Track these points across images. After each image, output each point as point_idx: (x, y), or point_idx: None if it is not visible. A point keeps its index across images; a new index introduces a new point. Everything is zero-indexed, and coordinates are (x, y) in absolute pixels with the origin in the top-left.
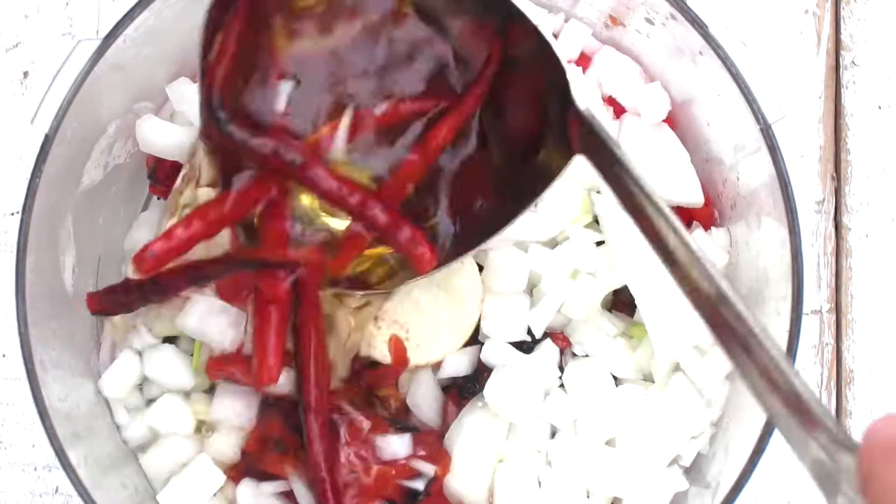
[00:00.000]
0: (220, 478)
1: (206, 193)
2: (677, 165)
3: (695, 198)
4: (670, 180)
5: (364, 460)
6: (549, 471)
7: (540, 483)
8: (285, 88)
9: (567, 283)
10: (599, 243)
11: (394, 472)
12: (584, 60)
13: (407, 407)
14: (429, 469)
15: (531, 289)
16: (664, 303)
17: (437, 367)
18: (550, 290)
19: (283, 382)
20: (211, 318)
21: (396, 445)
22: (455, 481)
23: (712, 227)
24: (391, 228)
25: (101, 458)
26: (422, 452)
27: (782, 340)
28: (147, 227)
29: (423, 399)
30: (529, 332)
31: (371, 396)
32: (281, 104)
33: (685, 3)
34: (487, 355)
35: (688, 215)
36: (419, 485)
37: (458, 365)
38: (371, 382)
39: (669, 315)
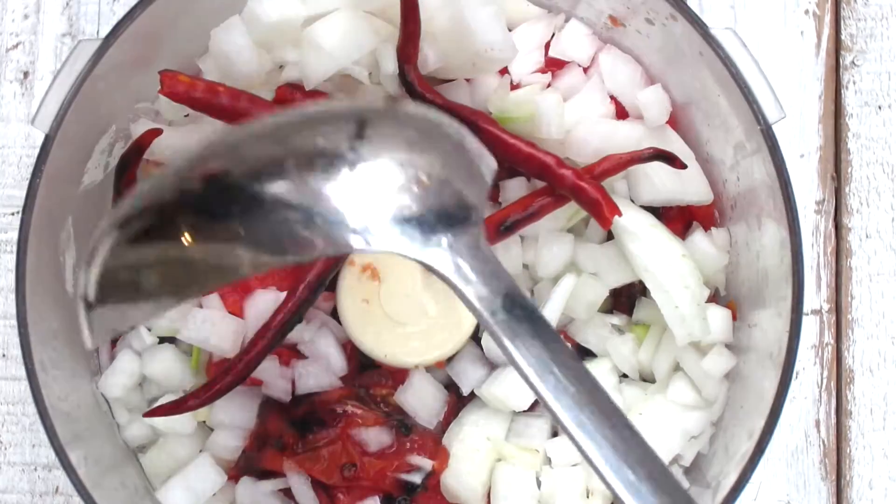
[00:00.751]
0: (222, 478)
1: None
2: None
3: (704, 195)
4: (678, 180)
5: (360, 455)
6: (548, 470)
7: (539, 483)
8: None
9: (571, 278)
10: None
11: (391, 464)
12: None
13: None
14: (426, 464)
15: (532, 286)
16: (679, 296)
17: (439, 366)
18: (559, 283)
19: (282, 381)
20: (212, 327)
21: (380, 435)
22: (452, 479)
23: (712, 228)
24: (578, 187)
25: (101, 458)
26: (417, 444)
27: (782, 341)
28: None
29: (416, 399)
30: None
31: (367, 395)
32: None
33: (685, 3)
34: (490, 352)
35: (689, 215)
36: (416, 478)
37: (464, 366)
38: (368, 383)
39: (683, 308)
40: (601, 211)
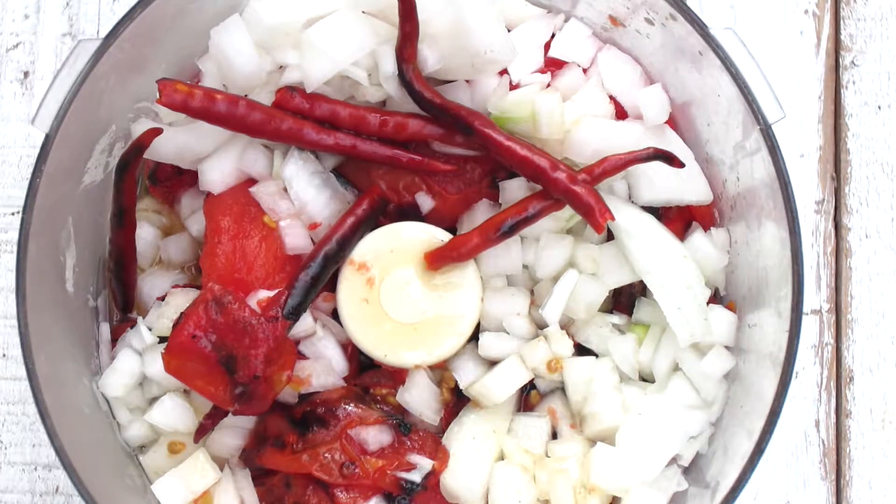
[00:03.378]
0: (216, 473)
1: None
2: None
3: (704, 195)
4: (678, 180)
5: (360, 454)
6: (547, 469)
7: (538, 482)
8: None
9: (573, 273)
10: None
11: (390, 463)
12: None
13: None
14: (426, 463)
15: (532, 286)
16: (681, 297)
17: (439, 366)
18: (560, 280)
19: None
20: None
21: (380, 434)
22: (452, 479)
23: (712, 228)
24: (571, 191)
25: (101, 458)
26: (417, 444)
27: (782, 341)
28: (147, 224)
29: (417, 398)
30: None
31: (367, 395)
32: None
33: (685, 4)
34: (486, 348)
35: (688, 215)
36: (416, 477)
37: (464, 363)
38: (368, 383)
39: (686, 309)
40: (594, 215)
